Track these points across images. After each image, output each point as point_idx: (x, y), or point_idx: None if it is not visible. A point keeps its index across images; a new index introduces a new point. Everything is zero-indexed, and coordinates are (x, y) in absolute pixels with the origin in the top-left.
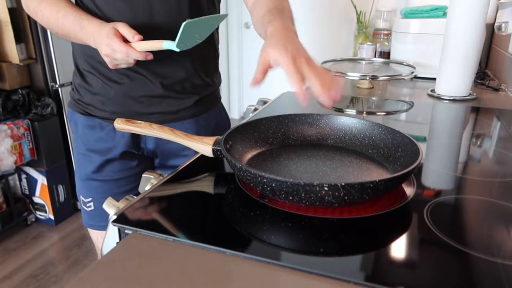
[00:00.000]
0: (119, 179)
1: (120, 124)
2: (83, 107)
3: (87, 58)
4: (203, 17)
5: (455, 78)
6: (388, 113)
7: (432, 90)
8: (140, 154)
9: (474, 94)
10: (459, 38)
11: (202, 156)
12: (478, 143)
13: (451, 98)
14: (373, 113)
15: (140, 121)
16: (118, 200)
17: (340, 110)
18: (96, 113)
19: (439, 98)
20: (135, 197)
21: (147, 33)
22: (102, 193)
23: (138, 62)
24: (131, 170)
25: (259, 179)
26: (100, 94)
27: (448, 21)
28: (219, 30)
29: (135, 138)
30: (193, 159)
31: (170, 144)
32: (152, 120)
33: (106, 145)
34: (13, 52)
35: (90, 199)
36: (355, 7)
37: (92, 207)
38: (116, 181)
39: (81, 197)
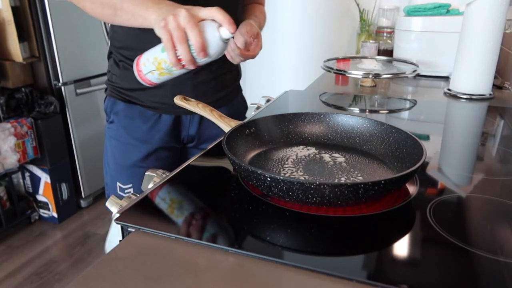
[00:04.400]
0: (162, 167)
1: (178, 100)
2: (126, 95)
3: (138, 47)
4: None
5: (477, 75)
6: (391, 111)
7: (448, 89)
8: (180, 141)
9: (493, 93)
10: (480, 34)
11: (205, 155)
12: (482, 141)
13: (468, 96)
14: (376, 111)
15: (191, 99)
16: None
17: (342, 109)
18: (143, 102)
19: (456, 96)
20: (138, 195)
21: None
22: None
23: None
24: (172, 158)
25: (262, 178)
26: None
27: (468, 16)
28: None
29: (177, 127)
30: (194, 158)
31: (208, 130)
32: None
33: (154, 135)
34: (16, 51)
35: (130, 185)
36: (358, 5)
37: (131, 193)
38: (159, 167)
39: (118, 184)
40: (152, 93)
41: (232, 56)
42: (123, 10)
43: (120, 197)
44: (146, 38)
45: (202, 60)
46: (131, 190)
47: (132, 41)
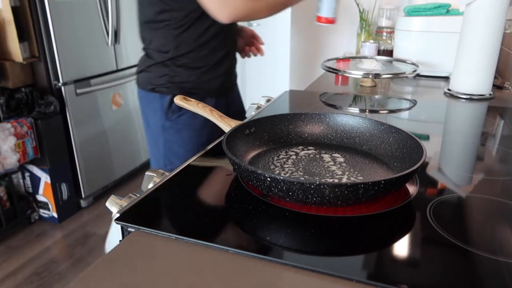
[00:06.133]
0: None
1: (178, 100)
2: (189, 88)
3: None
4: None
5: (477, 75)
6: (391, 111)
7: (448, 89)
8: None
9: (493, 93)
10: (480, 34)
11: (204, 155)
12: (482, 141)
13: (468, 96)
14: (376, 111)
15: (191, 99)
16: None
17: (342, 109)
18: (203, 90)
19: (456, 96)
20: (138, 195)
21: None
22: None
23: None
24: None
25: (262, 178)
26: (207, 76)
27: (468, 16)
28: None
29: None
30: (194, 158)
31: (235, 101)
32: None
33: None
34: (16, 51)
35: None
36: (358, 5)
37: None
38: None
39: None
40: (212, 81)
41: (248, 50)
42: None
43: None
44: (204, 41)
45: None
46: None
47: (196, 44)
